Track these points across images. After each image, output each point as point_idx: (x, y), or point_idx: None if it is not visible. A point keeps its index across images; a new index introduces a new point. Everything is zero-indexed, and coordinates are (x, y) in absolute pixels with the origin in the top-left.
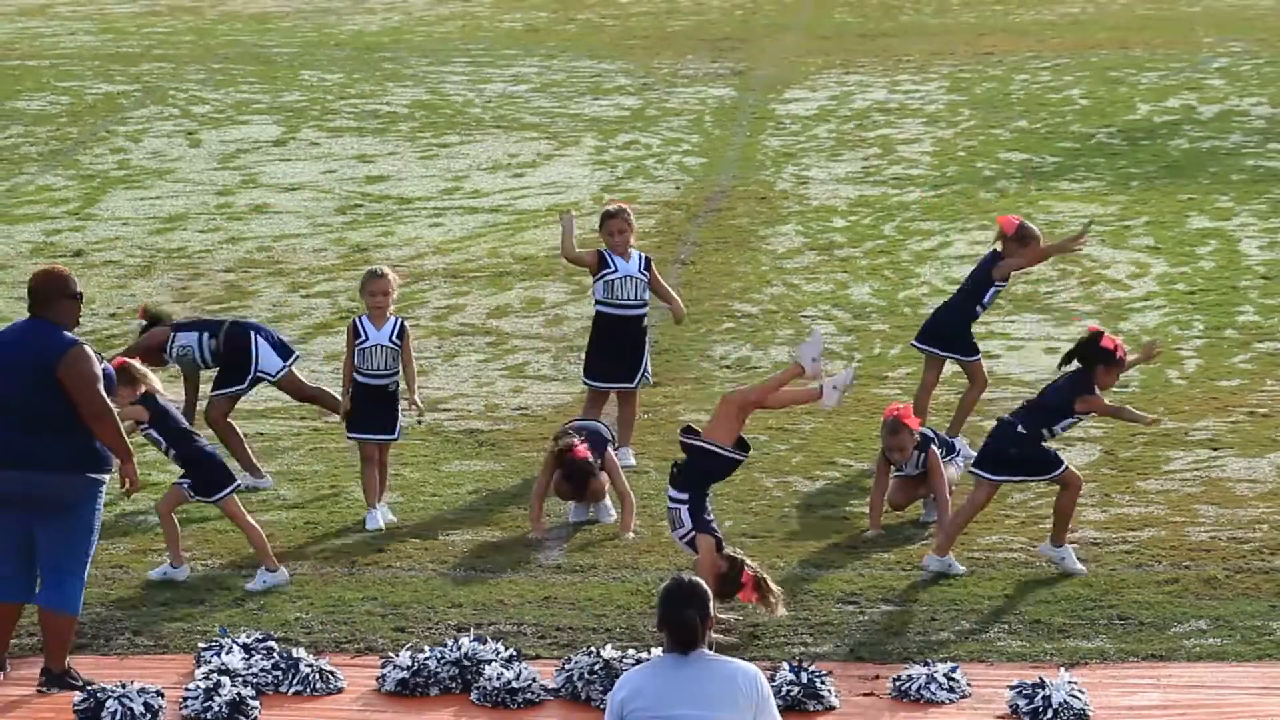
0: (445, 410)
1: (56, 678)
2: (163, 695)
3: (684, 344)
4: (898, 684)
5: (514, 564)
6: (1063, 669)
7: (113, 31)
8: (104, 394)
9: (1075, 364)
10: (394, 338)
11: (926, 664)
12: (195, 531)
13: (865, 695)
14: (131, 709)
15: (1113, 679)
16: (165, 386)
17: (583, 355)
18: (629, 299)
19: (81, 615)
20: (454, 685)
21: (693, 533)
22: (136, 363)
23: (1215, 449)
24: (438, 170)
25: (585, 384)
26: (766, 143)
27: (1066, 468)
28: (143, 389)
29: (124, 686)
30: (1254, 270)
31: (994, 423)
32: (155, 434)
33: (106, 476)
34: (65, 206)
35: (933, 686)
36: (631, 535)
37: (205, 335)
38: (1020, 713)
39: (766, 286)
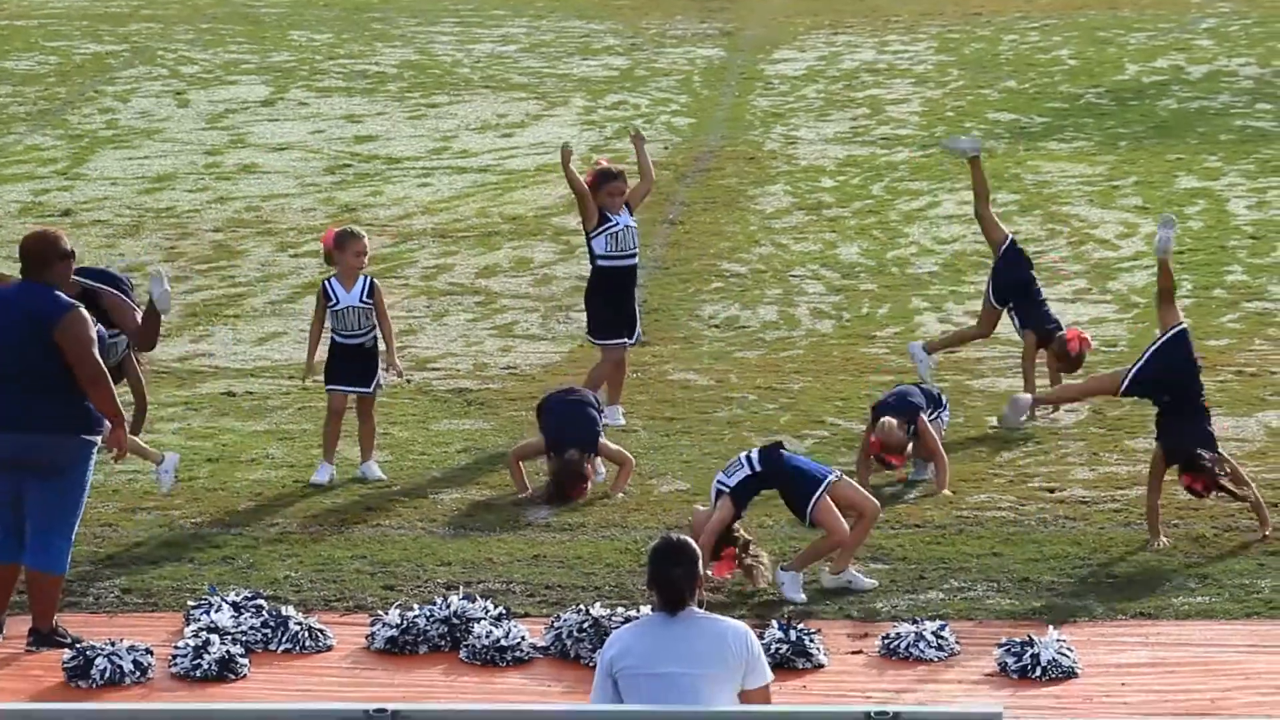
0: (434, 369)
1: (44, 637)
2: (152, 653)
3: (673, 303)
4: (886, 642)
5: (503, 522)
6: (1051, 627)
7: None
8: (99, 357)
9: None
10: (365, 297)
11: (915, 622)
12: (184, 489)
13: (854, 653)
14: (121, 666)
15: (1101, 637)
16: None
17: (569, 314)
18: (629, 248)
19: (70, 573)
20: (443, 643)
21: (723, 492)
22: None
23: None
24: (426, 130)
25: (600, 344)
26: (755, 103)
27: None
28: None
29: (113, 644)
30: (1242, 230)
31: (977, 381)
32: None
33: (98, 438)
34: (53, 166)
35: (921, 644)
36: (621, 496)
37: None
38: (1009, 670)
39: (755, 246)
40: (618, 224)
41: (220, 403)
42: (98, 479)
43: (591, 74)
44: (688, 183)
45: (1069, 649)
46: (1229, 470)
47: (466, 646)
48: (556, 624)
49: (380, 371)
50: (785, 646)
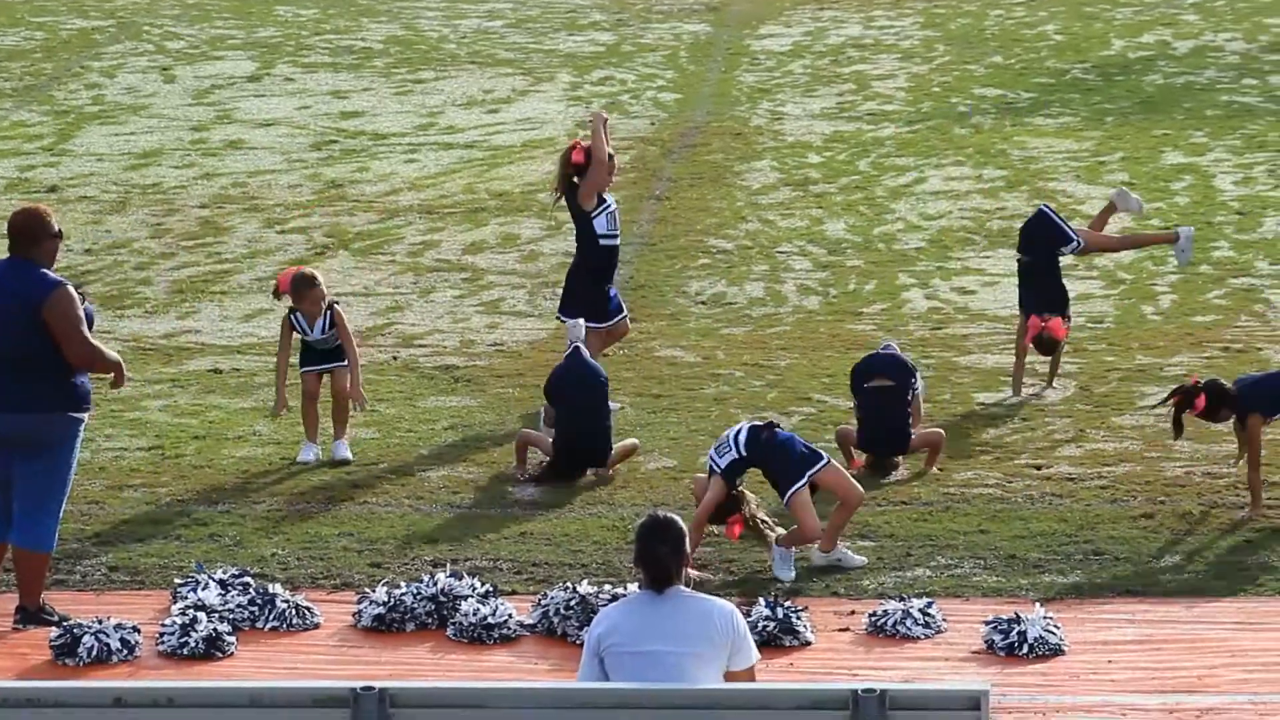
0: (421, 346)
1: (31, 614)
2: (139, 631)
3: (660, 280)
4: (873, 619)
5: (490, 500)
6: (1038, 604)
7: None
8: (87, 333)
9: None
10: (328, 328)
11: (902, 599)
12: (170, 467)
13: (841, 630)
14: (108, 644)
15: (1088, 614)
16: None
17: (556, 291)
18: (619, 228)
19: (57, 551)
20: (430, 621)
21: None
22: None
23: (1195, 383)
24: (412, 106)
25: (601, 327)
26: (741, 79)
27: None
28: None
29: (100, 622)
30: (1228, 206)
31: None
32: None
33: (85, 416)
34: (40, 142)
35: (908, 622)
36: (611, 473)
37: None
38: (996, 648)
39: (742, 222)
40: (611, 204)
41: (206, 380)
42: (84, 457)
43: (578, 49)
44: (674, 159)
45: (1056, 626)
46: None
47: (454, 624)
48: (544, 601)
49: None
50: (773, 624)
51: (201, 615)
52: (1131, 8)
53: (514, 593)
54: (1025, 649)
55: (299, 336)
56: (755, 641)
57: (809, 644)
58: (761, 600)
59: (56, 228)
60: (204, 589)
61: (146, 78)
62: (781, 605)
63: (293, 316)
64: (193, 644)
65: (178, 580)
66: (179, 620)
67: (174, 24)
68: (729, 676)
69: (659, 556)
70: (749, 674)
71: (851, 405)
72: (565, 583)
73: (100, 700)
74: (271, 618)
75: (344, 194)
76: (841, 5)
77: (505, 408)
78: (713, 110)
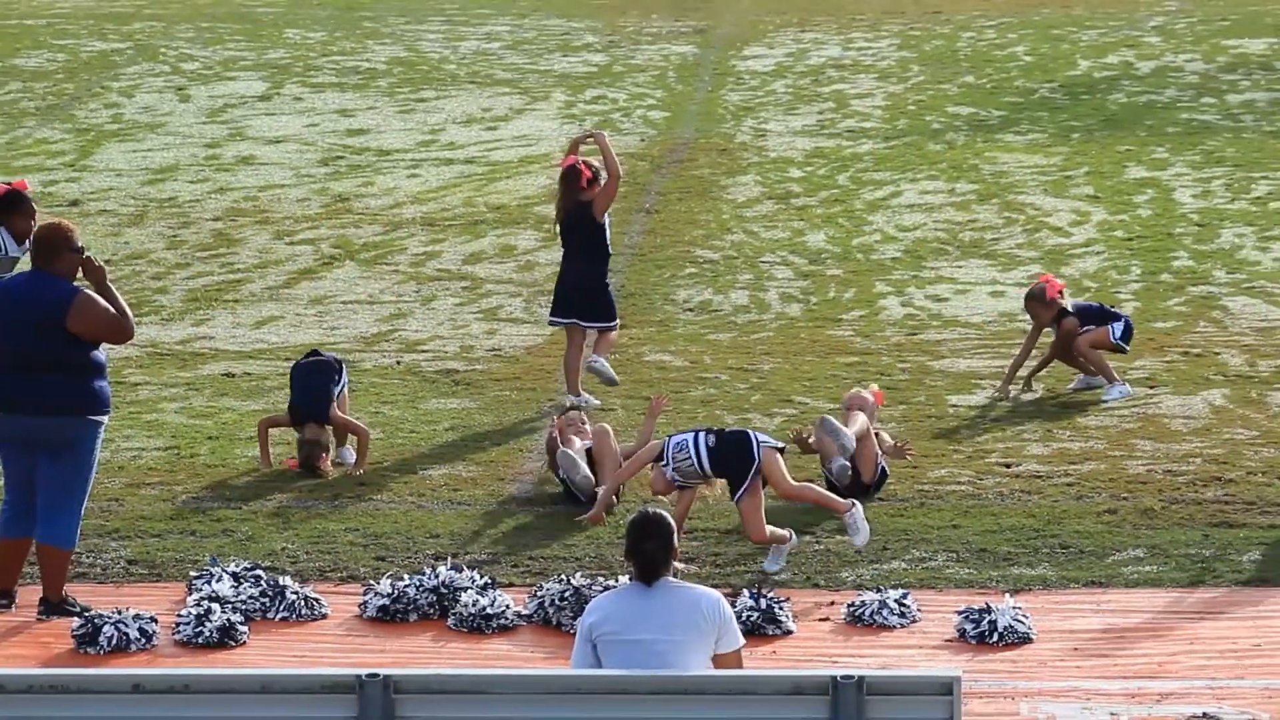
0: (423, 351)
1: (54, 606)
2: (156, 621)
3: (649, 288)
4: (852, 609)
5: (488, 496)
6: (1007, 595)
7: None
8: (114, 315)
9: None
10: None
11: (879, 590)
12: (186, 466)
13: (821, 620)
14: (127, 634)
15: (1055, 604)
16: None
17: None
18: None
19: (79, 545)
20: (432, 611)
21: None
22: None
23: (1151, 387)
24: (415, 124)
25: (614, 326)
26: (727, 97)
27: None
28: None
29: (120, 613)
30: (1188, 218)
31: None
32: None
33: (105, 418)
34: (62, 159)
35: (885, 612)
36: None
37: None
38: (967, 636)
39: (727, 234)
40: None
41: (220, 383)
42: (104, 457)
43: (571, 70)
44: (663, 173)
45: (1024, 616)
46: None
47: (454, 614)
48: (539, 593)
49: (343, 450)
50: (756, 614)
51: (215, 606)
52: (1096, 30)
53: (511, 585)
54: (995, 637)
55: None
56: (740, 630)
57: (791, 633)
58: (746, 591)
59: (78, 243)
60: (218, 581)
61: (163, 97)
62: (765, 596)
63: None
64: (207, 633)
65: (193, 573)
66: (194, 611)
67: (189, 46)
68: (717, 660)
69: (648, 551)
70: (735, 656)
71: (834, 406)
72: (560, 575)
73: (120, 687)
74: (282, 609)
75: (350, 207)
76: (822, 28)
77: (503, 410)
78: (700, 128)
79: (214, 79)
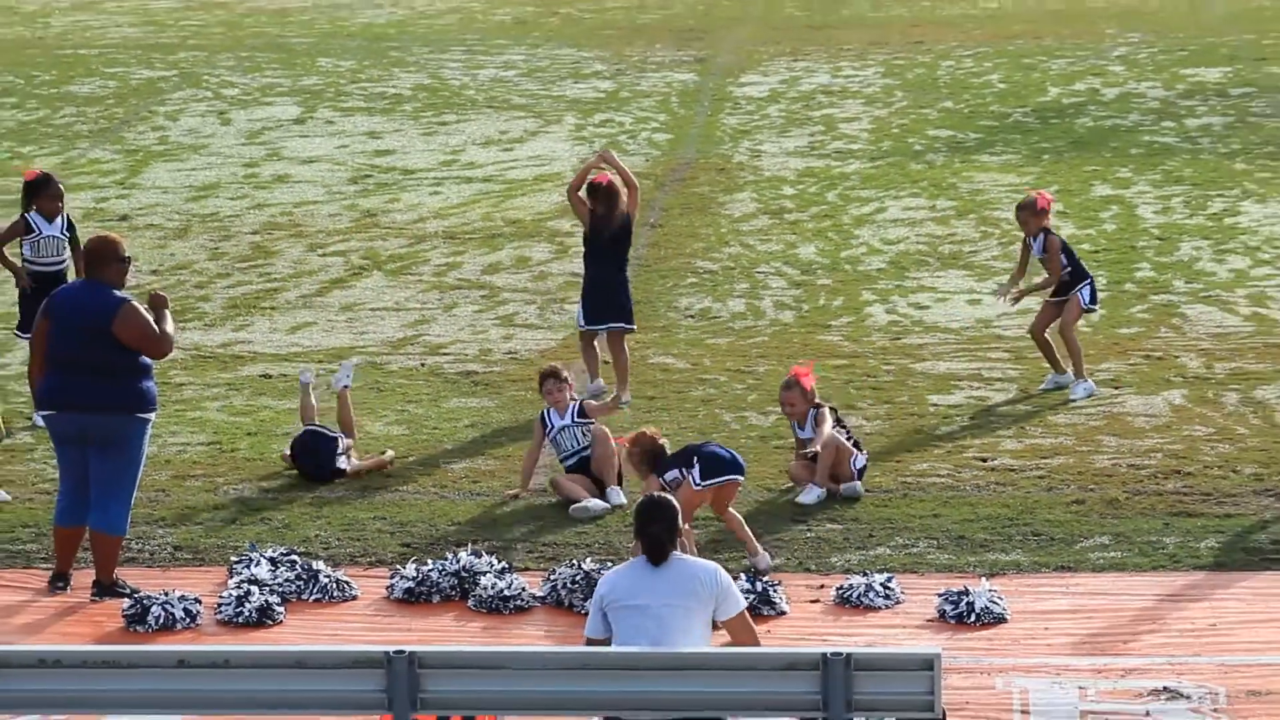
0: (445, 354)
1: (106, 588)
2: (200, 602)
3: (653, 296)
4: (840, 592)
5: (506, 487)
6: (984, 579)
7: (153, 24)
8: (156, 332)
9: None
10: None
11: (865, 575)
12: (227, 460)
13: (812, 602)
14: (173, 614)
15: (1027, 587)
16: None
17: (563, 306)
18: None
19: (129, 533)
20: (454, 593)
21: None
22: None
23: (1116, 387)
24: (437, 145)
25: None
26: (725, 121)
27: None
28: None
29: (166, 594)
30: (1150, 233)
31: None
32: None
33: (153, 416)
34: (113, 177)
35: (871, 594)
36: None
37: None
38: (947, 617)
39: (725, 246)
40: None
41: (258, 384)
42: (152, 451)
43: (582, 95)
44: (666, 191)
45: (999, 598)
46: None
47: (474, 596)
48: (552, 576)
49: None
50: (752, 596)
51: (254, 588)
52: (1065, 59)
53: (527, 569)
54: (973, 617)
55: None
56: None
57: (784, 613)
58: (743, 576)
59: (125, 253)
60: (256, 566)
61: (205, 121)
62: (760, 580)
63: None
64: (247, 613)
65: (233, 558)
66: (235, 593)
67: (229, 74)
68: (725, 625)
69: (655, 534)
70: (740, 619)
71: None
72: (572, 560)
73: (166, 662)
74: (315, 590)
75: (377, 222)
76: (812, 57)
77: (519, 408)
78: (700, 149)
79: (252, 104)
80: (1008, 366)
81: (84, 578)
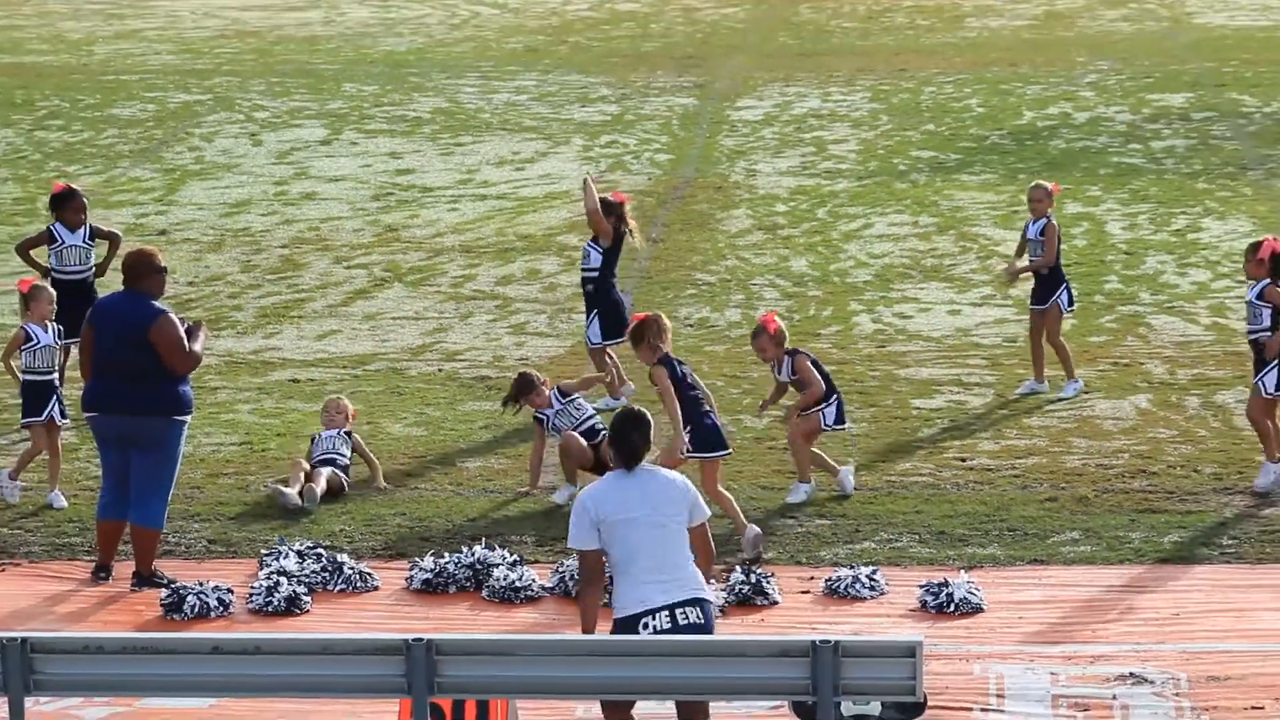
0: (460, 361)
1: (144, 579)
2: (232, 591)
3: (655, 306)
4: (829, 584)
5: (517, 485)
6: (962, 571)
7: (190, 51)
8: (186, 349)
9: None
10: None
11: (852, 567)
12: (257, 459)
13: (803, 593)
14: (207, 603)
15: (1003, 579)
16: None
17: (570, 315)
18: None
19: (166, 527)
20: (469, 584)
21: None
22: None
23: (1086, 392)
24: (454, 164)
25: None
26: (722, 142)
27: None
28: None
29: (201, 584)
30: (1118, 248)
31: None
32: None
33: (188, 418)
34: (152, 194)
35: (857, 586)
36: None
37: None
38: (928, 607)
39: (722, 260)
40: None
41: (286, 388)
42: (187, 450)
43: (589, 119)
44: (667, 208)
45: (977, 589)
46: None
47: (487, 587)
48: (560, 569)
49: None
50: (746, 587)
51: (283, 579)
52: (1039, 85)
53: (537, 561)
54: (952, 607)
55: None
56: (732, 601)
57: (776, 603)
58: (737, 567)
59: (162, 264)
60: (285, 558)
61: (238, 142)
62: (754, 571)
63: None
64: (276, 602)
65: (263, 551)
66: (265, 583)
67: (260, 98)
68: (692, 532)
69: (632, 441)
70: (703, 528)
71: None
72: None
73: (201, 648)
74: (340, 581)
75: (398, 236)
76: (804, 83)
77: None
78: (699, 168)
79: (282, 126)
80: (985, 373)
81: (124, 569)
